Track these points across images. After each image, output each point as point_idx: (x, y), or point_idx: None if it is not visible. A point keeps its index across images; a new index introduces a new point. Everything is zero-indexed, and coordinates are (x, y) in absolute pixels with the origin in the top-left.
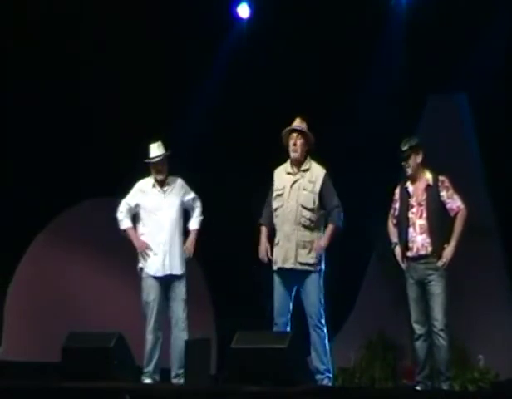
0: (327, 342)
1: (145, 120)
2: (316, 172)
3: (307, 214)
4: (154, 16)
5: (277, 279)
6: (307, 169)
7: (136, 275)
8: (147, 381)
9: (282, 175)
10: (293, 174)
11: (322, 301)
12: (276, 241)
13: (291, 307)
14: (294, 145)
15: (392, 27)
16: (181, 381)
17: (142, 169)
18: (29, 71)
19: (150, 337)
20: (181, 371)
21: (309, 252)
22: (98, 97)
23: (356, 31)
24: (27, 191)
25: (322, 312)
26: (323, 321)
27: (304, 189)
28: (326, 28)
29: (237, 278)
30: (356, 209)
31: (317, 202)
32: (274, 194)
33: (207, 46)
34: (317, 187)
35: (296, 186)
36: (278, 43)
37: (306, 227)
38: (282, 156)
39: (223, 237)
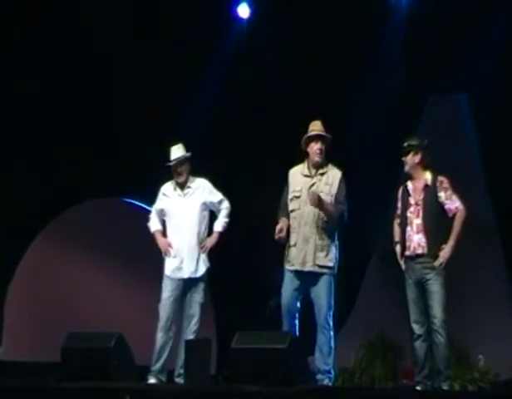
0: (332, 343)
1: (147, 121)
2: (333, 174)
3: (326, 216)
4: (154, 16)
5: (289, 279)
6: (324, 172)
7: (137, 275)
8: (152, 380)
9: (298, 177)
10: (311, 176)
11: (332, 303)
12: (293, 242)
13: (299, 305)
14: (320, 150)
15: (392, 27)
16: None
17: (143, 169)
18: (31, 70)
19: (160, 335)
20: (182, 373)
21: (327, 254)
22: (98, 97)
23: (356, 31)
24: (27, 191)
25: (331, 313)
26: (331, 322)
27: (321, 192)
28: (326, 28)
29: (237, 279)
30: (357, 209)
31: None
32: (291, 195)
33: (207, 46)
34: (334, 189)
35: (313, 189)
36: (278, 43)
37: (324, 229)
38: (280, 156)
39: (223, 237)
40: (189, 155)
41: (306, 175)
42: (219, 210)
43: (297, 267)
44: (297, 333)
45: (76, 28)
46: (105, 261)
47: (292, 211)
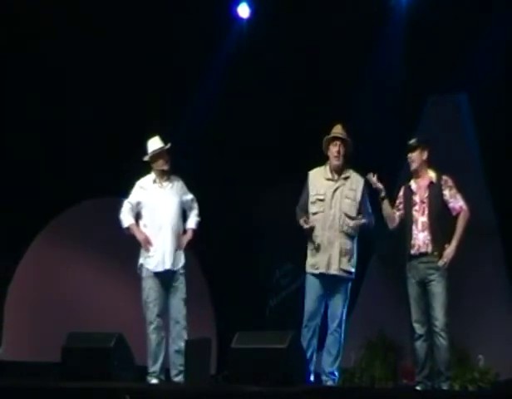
0: (341, 346)
1: (146, 121)
2: (356, 180)
3: (350, 222)
4: (154, 15)
5: (313, 282)
6: (347, 177)
7: (137, 275)
8: (154, 381)
9: (320, 180)
10: (334, 180)
11: (346, 307)
12: (316, 245)
13: (322, 311)
14: (338, 152)
15: (392, 26)
16: (181, 380)
17: (142, 169)
18: (31, 70)
19: (153, 337)
20: (182, 370)
21: (349, 259)
22: (98, 97)
23: (356, 31)
24: (27, 191)
25: (345, 317)
26: (343, 326)
27: (347, 198)
28: (326, 28)
29: (237, 278)
30: None
31: (357, 211)
32: (313, 198)
33: (207, 46)
34: (359, 195)
35: (338, 194)
36: (277, 43)
37: (348, 235)
38: (280, 156)
39: (223, 236)
40: (169, 146)
41: (329, 179)
42: (191, 209)
43: (322, 270)
44: (315, 346)
45: (75, 27)
46: (105, 261)
47: (314, 213)
